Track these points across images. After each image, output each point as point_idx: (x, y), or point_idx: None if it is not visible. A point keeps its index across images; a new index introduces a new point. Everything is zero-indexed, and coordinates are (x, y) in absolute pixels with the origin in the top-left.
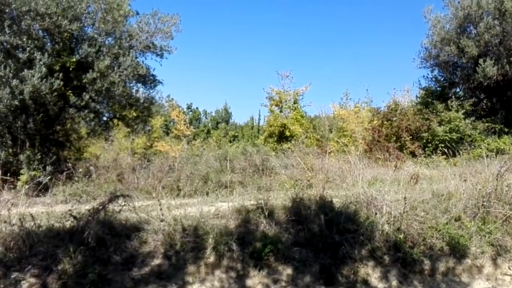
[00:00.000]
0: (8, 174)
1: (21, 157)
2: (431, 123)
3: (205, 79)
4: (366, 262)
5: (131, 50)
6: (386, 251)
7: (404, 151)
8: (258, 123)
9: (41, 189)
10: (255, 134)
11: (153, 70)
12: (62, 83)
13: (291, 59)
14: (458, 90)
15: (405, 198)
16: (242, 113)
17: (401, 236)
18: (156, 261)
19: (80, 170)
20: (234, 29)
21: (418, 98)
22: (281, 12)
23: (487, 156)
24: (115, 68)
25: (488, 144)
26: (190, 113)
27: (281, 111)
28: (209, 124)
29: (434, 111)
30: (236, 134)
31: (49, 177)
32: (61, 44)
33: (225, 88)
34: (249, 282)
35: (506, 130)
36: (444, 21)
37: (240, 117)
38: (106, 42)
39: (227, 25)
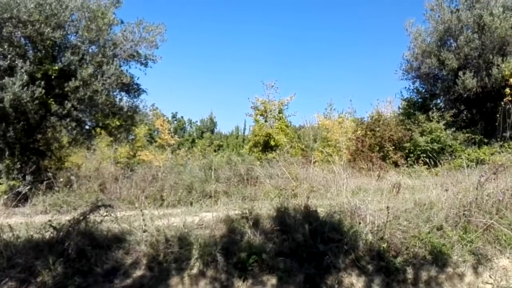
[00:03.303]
0: None
1: (0, 166)
2: (413, 134)
3: (190, 88)
4: (350, 271)
5: (115, 59)
6: (370, 260)
7: (387, 161)
8: (243, 132)
9: (20, 199)
10: (240, 143)
11: (137, 79)
12: (43, 91)
13: (276, 70)
14: (439, 101)
15: (388, 207)
16: (227, 122)
17: (385, 245)
18: (139, 273)
19: (61, 179)
20: (220, 39)
21: (400, 109)
22: (266, 23)
23: (467, 166)
24: (99, 77)
25: (468, 155)
26: (175, 122)
27: (266, 121)
28: (194, 134)
29: (416, 121)
30: (221, 143)
31: (28, 187)
32: (43, 51)
33: (211, 97)
34: None
35: (485, 140)
36: (425, 34)
37: (225, 126)
38: (90, 50)
39: (212, 35)
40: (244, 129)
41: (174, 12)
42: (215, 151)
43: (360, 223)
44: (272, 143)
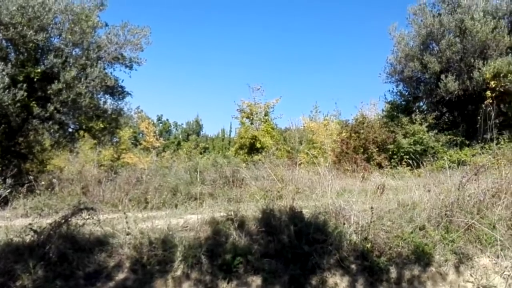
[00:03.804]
0: None
1: None
2: (396, 136)
3: (176, 91)
4: (334, 271)
5: (99, 61)
6: (354, 260)
7: (371, 162)
8: (229, 135)
9: (0, 202)
10: (226, 146)
11: (122, 82)
12: (25, 94)
13: (262, 73)
14: (421, 104)
15: (372, 208)
16: (213, 125)
17: (369, 245)
18: (121, 276)
19: (43, 182)
20: (206, 43)
21: (384, 112)
22: (252, 27)
23: (449, 167)
24: (82, 79)
25: (450, 156)
26: (161, 125)
27: (252, 123)
28: (180, 136)
29: (399, 124)
30: (207, 146)
31: (9, 190)
32: (25, 54)
33: (197, 100)
34: None
35: (467, 142)
36: (408, 38)
37: (211, 129)
38: (73, 52)
39: (198, 38)
40: (230, 131)
41: (160, 15)
42: (201, 153)
43: (344, 223)
44: (258, 145)
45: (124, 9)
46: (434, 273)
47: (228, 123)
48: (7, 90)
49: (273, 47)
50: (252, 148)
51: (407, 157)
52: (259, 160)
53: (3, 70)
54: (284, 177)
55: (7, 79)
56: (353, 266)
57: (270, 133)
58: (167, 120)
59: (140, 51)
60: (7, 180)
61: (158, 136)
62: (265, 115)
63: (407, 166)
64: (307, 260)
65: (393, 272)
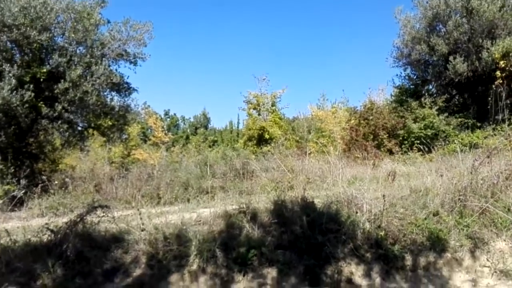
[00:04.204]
0: None
1: None
2: (406, 121)
3: (182, 85)
4: (349, 260)
5: (103, 59)
6: (368, 249)
7: (382, 149)
8: (237, 127)
9: (16, 203)
10: (235, 138)
11: (127, 78)
12: (33, 94)
13: (267, 63)
14: (430, 87)
15: (384, 195)
16: (221, 117)
17: (382, 233)
18: (138, 271)
19: (56, 182)
20: (210, 35)
21: (392, 97)
22: (256, 18)
23: (461, 150)
24: (88, 77)
25: (461, 139)
26: (168, 119)
27: (259, 114)
28: (188, 130)
29: (409, 108)
30: (216, 139)
31: (23, 191)
32: (30, 55)
33: (203, 93)
34: (234, 287)
35: (478, 124)
36: (414, 20)
37: (219, 121)
38: (78, 51)
39: (203, 31)
40: (238, 123)
41: (165, 10)
42: (209, 146)
43: (357, 212)
44: (267, 136)
45: (127, 5)
46: (449, 259)
47: (235, 115)
48: (15, 91)
49: (278, 38)
50: (261, 139)
51: (418, 142)
52: (268, 151)
53: (9, 71)
54: (294, 168)
55: (14, 81)
56: (367, 254)
57: (278, 124)
58: (175, 114)
59: (143, 47)
60: (21, 181)
61: (166, 131)
62: (272, 105)
63: (418, 151)
64: (321, 250)
65: (408, 260)
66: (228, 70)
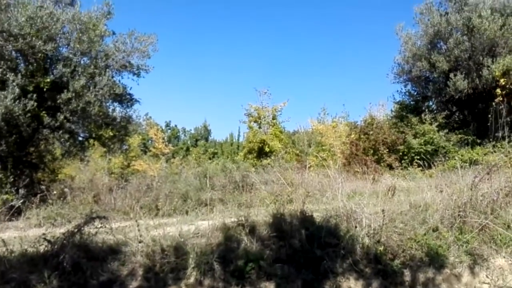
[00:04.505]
0: None
1: None
2: (406, 136)
3: (183, 97)
4: (348, 275)
5: (107, 70)
6: (367, 264)
7: (382, 164)
8: (238, 139)
9: (14, 213)
10: (235, 150)
11: (130, 89)
12: (35, 103)
13: (268, 77)
14: (431, 103)
15: (383, 210)
16: (221, 130)
17: (381, 248)
18: (135, 284)
19: (55, 192)
20: (212, 48)
21: (393, 112)
22: (258, 31)
23: (461, 167)
24: (91, 88)
25: (461, 155)
26: (169, 131)
27: (260, 127)
28: (188, 142)
29: (409, 124)
30: (216, 151)
31: (22, 200)
32: (35, 64)
33: (204, 105)
34: None
35: (478, 141)
36: (415, 37)
37: (219, 134)
38: (82, 62)
39: (204, 43)
40: (239, 136)
41: (166, 22)
42: (210, 158)
43: (356, 226)
44: (267, 149)
45: (131, 17)
46: (449, 275)
47: (236, 127)
48: (18, 101)
49: (279, 51)
50: (261, 152)
51: (418, 157)
52: (268, 164)
53: (13, 81)
54: (293, 181)
55: (17, 90)
56: (366, 269)
57: (279, 137)
58: (175, 126)
59: (147, 58)
60: (20, 190)
61: (167, 143)
62: (273, 118)
63: (418, 166)
64: (320, 264)
65: (407, 275)
66: (229, 82)
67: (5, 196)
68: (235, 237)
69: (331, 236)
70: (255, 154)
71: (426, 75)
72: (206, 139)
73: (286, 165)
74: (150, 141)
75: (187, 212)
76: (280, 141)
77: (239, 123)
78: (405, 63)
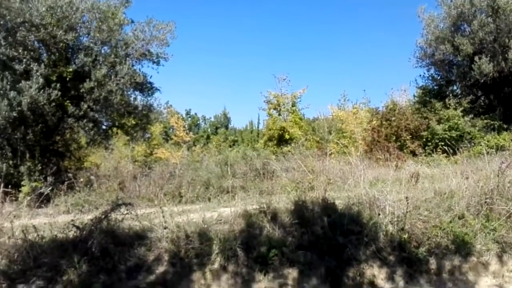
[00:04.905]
0: (9, 186)
1: (22, 168)
2: (430, 122)
3: (203, 85)
4: (371, 263)
5: (127, 58)
6: (391, 252)
7: (405, 150)
8: (258, 127)
9: (43, 200)
10: (255, 138)
11: (150, 78)
12: (59, 93)
13: (287, 63)
14: (455, 88)
15: (407, 197)
16: (241, 117)
17: (406, 236)
18: (161, 269)
19: (81, 179)
20: (230, 34)
21: (415, 97)
22: (276, 17)
23: (487, 153)
24: (112, 77)
25: (487, 141)
26: (189, 119)
27: (279, 114)
28: (209, 130)
29: (432, 109)
30: (236, 138)
31: (50, 188)
32: (57, 54)
33: (224, 93)
34: (255, 287)
35: (505, 126)
36: (437, 20)
37: (239, 121)
38: (102, 51)
39: (223, 30)
40: (258, 123)
41: (185, 9)
42: (230, 146)
43: (379, 214)
44: (287, 136)
45: (149, 4)
46: (475, 263)
47: (256, 115)
48: (42, 90)
49: (298, 37)
50: (281, 140)
51: (442, 143)
52: (289, 151)
53: (37, 70)
54: (314, 168)
55: (41, 80)
56: (390, 257)
57: (298, 124)
58: (196, 114)
59: (166, 46)
60: (48, 178)
61: (187, 131)
62: (293, 105)
63: (443, 153)
64: (343, 251)
65: (433, 263)
66: (248, 69)
67: (34, 184)
68: (257, 224)
69: (354, 223)
70: (275, 142)
71: (449, 58)
72: (226, 127)
73: (306, 152)
74: (171, 129)
75: (209, 199)
76: (300, 128)
77: (258, 110)
78: (428, 46)
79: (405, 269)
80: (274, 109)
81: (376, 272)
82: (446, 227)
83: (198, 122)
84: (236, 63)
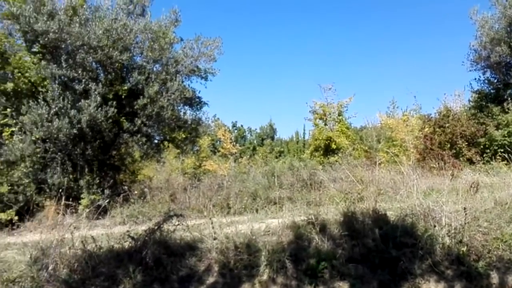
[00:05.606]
0: (70, 199)
1: (81, 182)
2: (487, 128)
3: (248, 97)
4: (427, 277)
5: (177, 75)
6: (449, 265)
7: (461, 158)
8: (303, 137)
9: (101, 212)
10: (301, 148)
11: (199, 92)
12: (115, 110)
13: (333, 71)
14: None
15: (465, 208)
16: (287, 128)
17: (464, 248)
18: (211, 279)
19: (135, 192)
20: (275, 46)
21: (470, 102)
22: (321, 25)
23: None
24: (164, 93)
25: None
26: (236, 131)
27: (325, 124)
28: (255, 141)
29: (490, 114)
30: (282, 149)
31: (107, 200)
32: (113, 74)
33: (269, 104)
34: None
35: None
36: (492, 21)
37: (285, 132)
38: (154, 69)
39: (267, 42)
40: (304, 133)
41: (230, 23)
42: (276, 157)
43: (435, 226)
44: (334, 146)
45: (195, 21)
46: None
47: (301, 125)
48: (100, 108)
49: (343, 44)
50: (328, 150)
51: (502, 150)
52: (336, 161)
53: (95, 90)
54: (363, 178)
55: (99, 98)
56: (448, 271)
57: (345, 133)
58: (242, 126)
59: (213, 62)
60: (105, 191)
61: (234, 143)
62: (339, 115)
63: (502, 160)
64: (396, 265)
65: (494, 278)
66: (293, 79)
67: (92, 197)
68: (305, 235)
69: (408, 235)
70: (321, 152)
71: (506, 60)
72: (272, 138)
73: (354, 162)
74: (218, 142)
75: (257, 210)
76: (347, 138)
77: (304, 120)
78: (483, 48)
79: (464, 284)
80: (320, 119)
81: (433, 287)
82: (508, 239)
83: (244, 134)
84: (281, 74)
